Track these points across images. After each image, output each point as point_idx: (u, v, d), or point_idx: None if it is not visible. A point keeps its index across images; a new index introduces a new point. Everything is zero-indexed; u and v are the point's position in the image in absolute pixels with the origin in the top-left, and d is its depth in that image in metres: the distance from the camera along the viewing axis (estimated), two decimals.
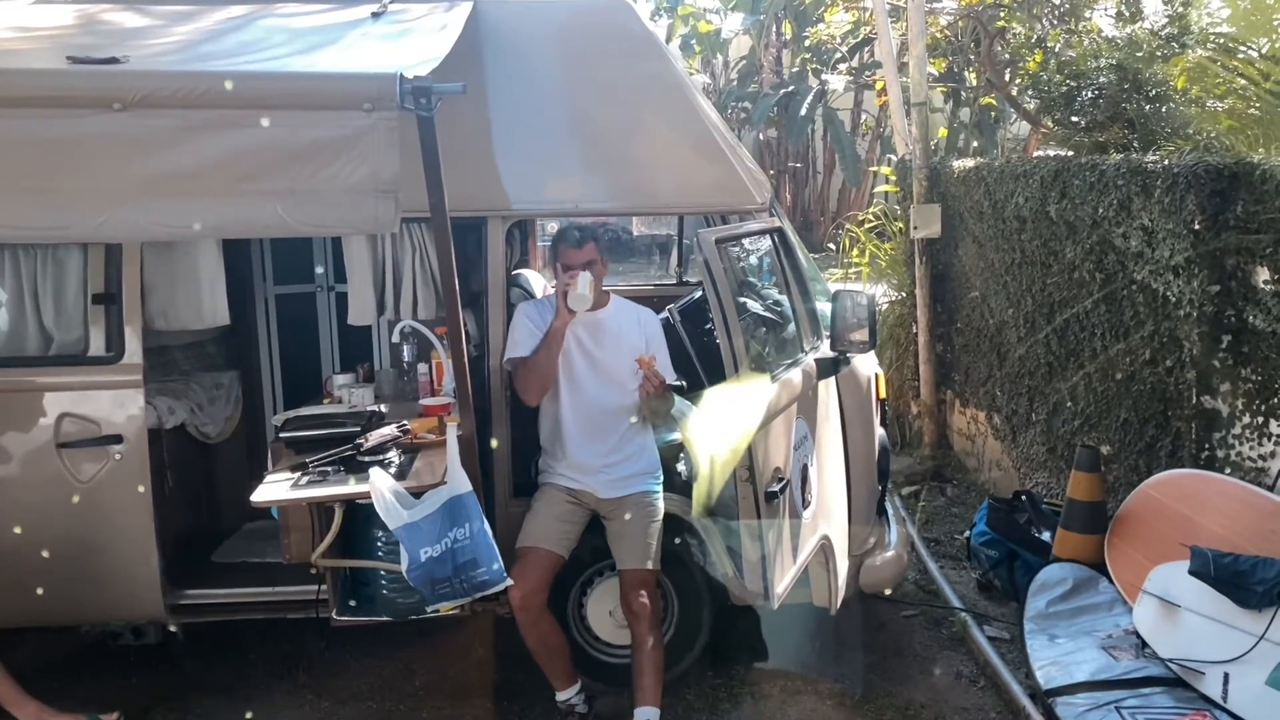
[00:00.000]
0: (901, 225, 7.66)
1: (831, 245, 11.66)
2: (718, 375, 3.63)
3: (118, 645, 4.35)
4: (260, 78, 3.14)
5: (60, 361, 3.89)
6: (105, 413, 3.84)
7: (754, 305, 4.30)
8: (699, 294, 4.49)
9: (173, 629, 4.05)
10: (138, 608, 4.01)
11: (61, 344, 3.91)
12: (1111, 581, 4.40)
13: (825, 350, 4.23)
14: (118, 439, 3.84)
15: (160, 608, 3.97)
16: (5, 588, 3.81)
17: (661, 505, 3.87)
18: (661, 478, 3.94)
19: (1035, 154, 8.26)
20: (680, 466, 4.08)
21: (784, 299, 4.34)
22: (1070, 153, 6.21)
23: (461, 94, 3.04)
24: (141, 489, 3.85)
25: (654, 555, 3.77)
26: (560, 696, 3.86)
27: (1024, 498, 5.27)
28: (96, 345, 3.87)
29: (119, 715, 3.81)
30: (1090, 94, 6.13)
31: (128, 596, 3.95)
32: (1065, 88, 6.25)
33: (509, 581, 3.39)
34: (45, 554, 3.76)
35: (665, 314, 4.41)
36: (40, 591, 3.77)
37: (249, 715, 4.03)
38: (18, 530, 3.77)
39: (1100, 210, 4.84)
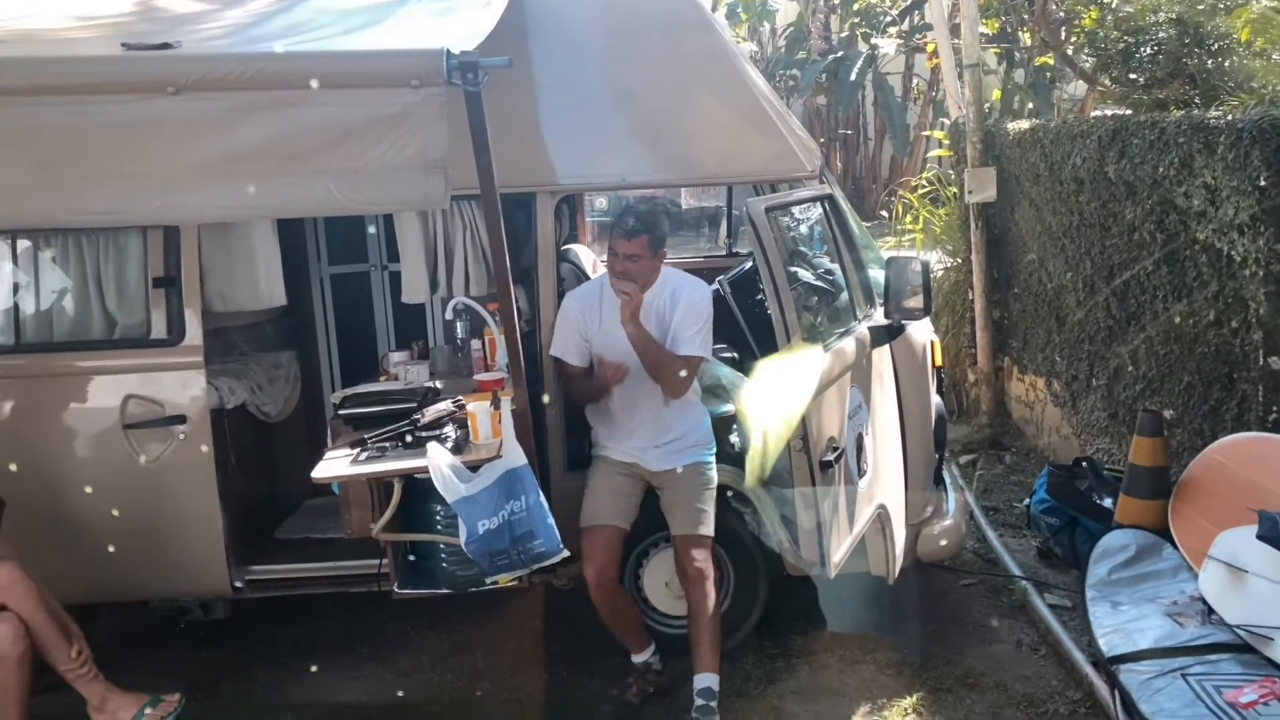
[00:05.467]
0: (955, 190, 7.54)
1: (884, 213, 11.55)
2: (770, 346, 3.61)
3: (187, 621, 4.46)
4: (308, 58, 3.16)
5: (124, 345, 3.97)
6: (169, 394, 3.92)
7: (805, 274, 4.26)
8: (749, 265, 4.46)
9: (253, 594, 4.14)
10: (204, 583, 4.10)
11: (125, 328, 3.99)
12: (1176, 547, 4.32)
13: (879, 318, 4.18)
14: (181, 419, 3.92)
15: (226, 583, 4.05)
16: (78, 565, 3.92)
17: (715, 474, 3.87)
18: (715, 448, 3.93)
19: (1092, 114, 8.07)
20: (733, 438, 4.08)
21: (836, 267, 4.29)
22: (1129, 111, 6.06)
23: (508, 68, 3.03)
24: (205, 468, 3.94)
25: (707, 521, 3.78)
26: (637, 659, 3.93)
27: (1085, 464, 5.19)
28: (158, 328, 3.95)
29: (180, 696, 3.84)
30: (1149, 50, 5.98)
31: (194, 572, 4.04)
32: (1123, 44, 6.10)
33: (565, 553, 3.42)
34: (115, 532, 3.86)
35: (715, 285, 4.39)
36: (111, 568, 3.88)
37: (313, 668, 4.16)
38: (89, 509, 3.88)
39: (1160, 169, 4.72)
